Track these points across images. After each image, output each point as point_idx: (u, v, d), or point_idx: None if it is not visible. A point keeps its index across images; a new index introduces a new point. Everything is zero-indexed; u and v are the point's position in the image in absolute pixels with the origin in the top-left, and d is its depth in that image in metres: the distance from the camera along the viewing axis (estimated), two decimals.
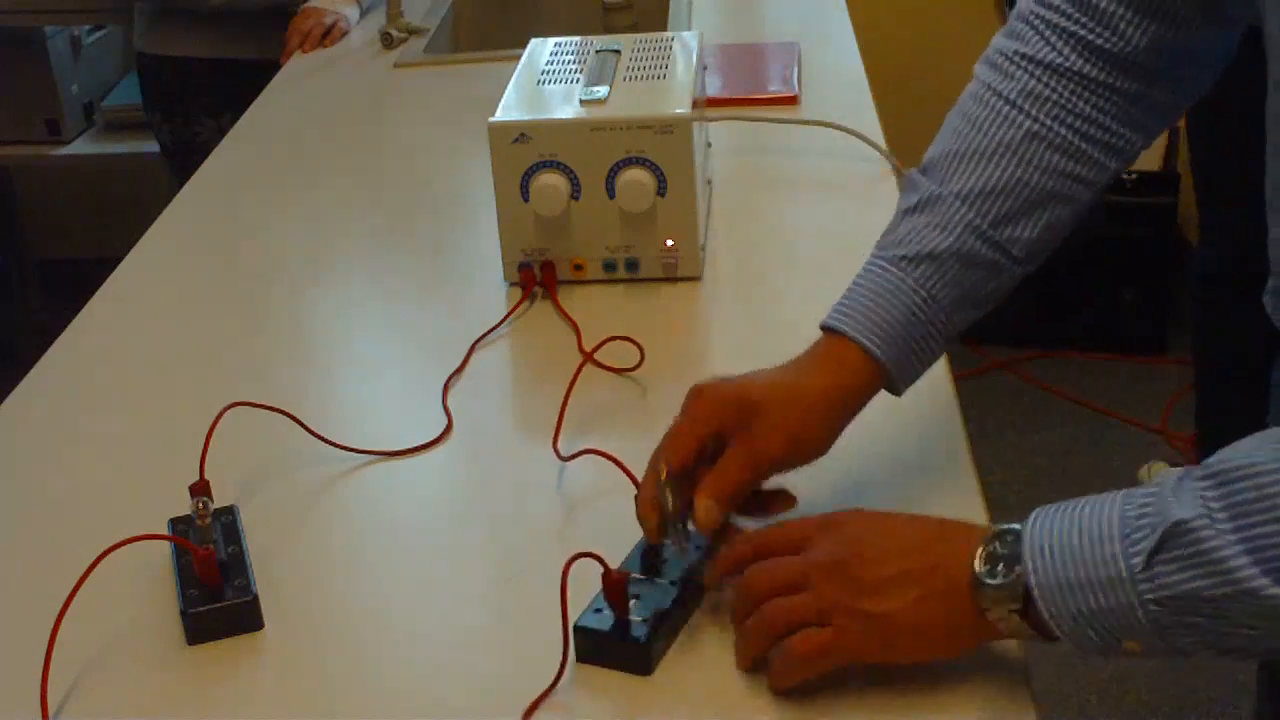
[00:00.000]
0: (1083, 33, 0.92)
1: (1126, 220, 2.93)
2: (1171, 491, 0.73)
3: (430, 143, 1.75)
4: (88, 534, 0.98)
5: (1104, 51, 0.92)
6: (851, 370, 0.91)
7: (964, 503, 0.97)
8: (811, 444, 0.90)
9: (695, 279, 1.31)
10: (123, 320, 1.36)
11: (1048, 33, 0.93)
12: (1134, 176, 2.91)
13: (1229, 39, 0.97)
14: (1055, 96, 0.93)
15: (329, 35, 2.19)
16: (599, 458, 0.98)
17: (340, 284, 1.39)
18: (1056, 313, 3.07)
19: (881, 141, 1.56)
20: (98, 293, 1.41)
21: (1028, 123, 0.93)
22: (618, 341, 1.18)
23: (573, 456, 1.04)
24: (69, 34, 3.04)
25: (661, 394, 1.14)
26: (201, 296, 1.40)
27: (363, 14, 2.28)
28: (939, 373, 1.13)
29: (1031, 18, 0.95)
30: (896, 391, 0.94)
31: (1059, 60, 0.93)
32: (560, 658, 0.84)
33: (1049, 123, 0.93)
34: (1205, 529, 0.70)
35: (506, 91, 1.35)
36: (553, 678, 0.83)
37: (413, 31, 2.16)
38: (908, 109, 3.19)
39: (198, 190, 1.67)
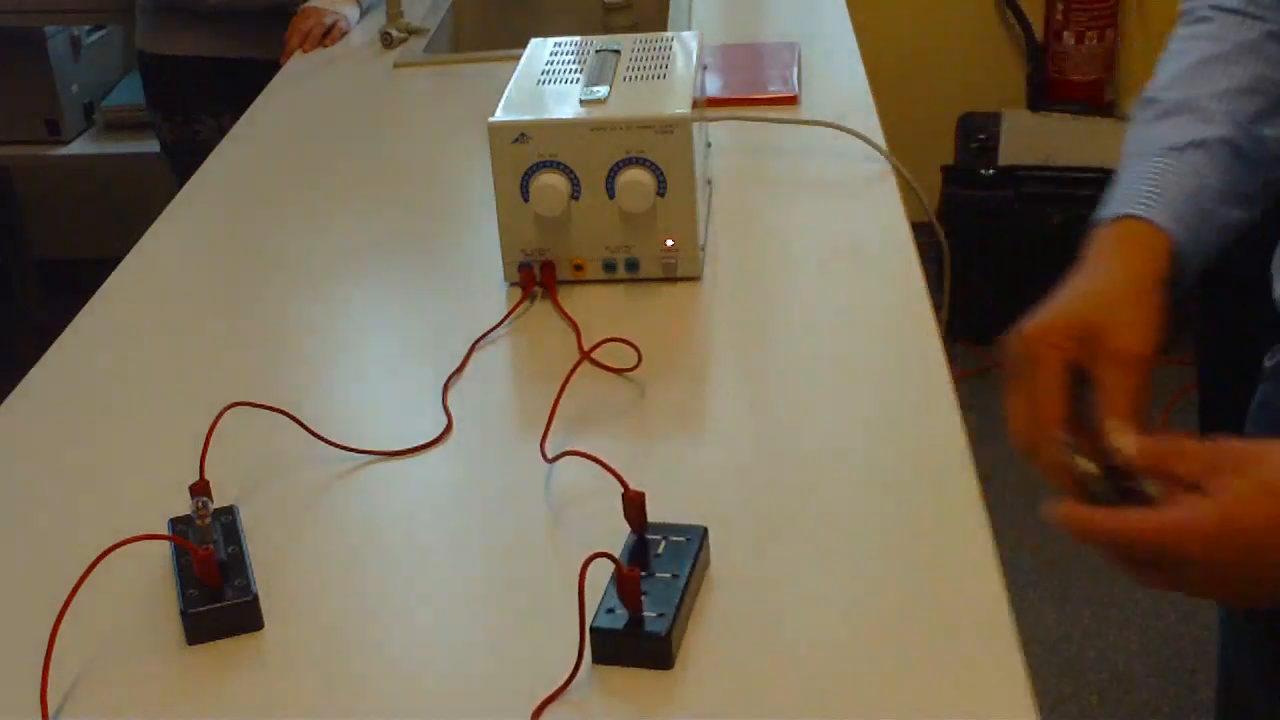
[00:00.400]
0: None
1: None
2: None
3: (430, 143, 1.75)
4: (88, 534, 0.99)
5: None
6: (1151, 249, 0.89)
7: (964, 502, 0.97)
8: (1162, 326, 0.86)
9: (695, 279, 1.31)
10: (123, 320, 1.36)
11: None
12: None
13: None
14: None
15: (329, 35, 2.19)
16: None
17: (340, 284, 1.39)
18: None
19: (881, 141, 1.56)
20: (97, 293, 1.41)
21: (1261, 24, 0.93)
22: (617, 341, 1.18)
23: (557, 458, 1.04)
24: (69, 34, 3.04)
25: (661, 394, 1.14)
26: (201, 296, 1.40)
27: (363, 14, 2.28)
28: (939, 372, 1.13)
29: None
30: (1183, 281, 0.90)
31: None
32: (572, 657, 0.83)
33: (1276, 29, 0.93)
34: None
35: (506, 91, 1.35)
36: (560, 677, 0.83)
37: (413, 31, 2.16)
38: (908, 109, 3.20)
39: (198, 190, 1.67)
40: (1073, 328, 0.84)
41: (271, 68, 2.14)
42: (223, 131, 1.88)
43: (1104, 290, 0.87)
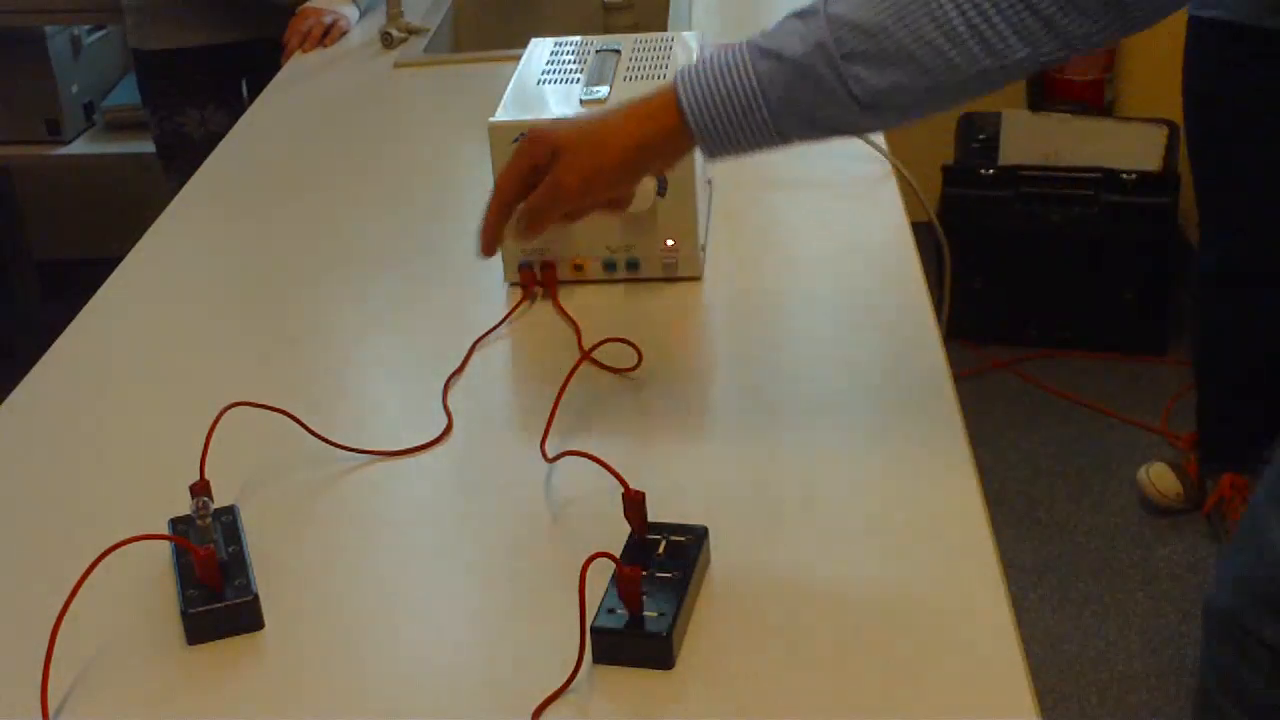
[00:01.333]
0: None
1: (1126, 220, 2.93)
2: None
3: (430, 143, 1.75)
4: (88, 534, 0.99)
5: None
6: (663, 124, 1.00)
7: (964, 502, 0.97)
8: (605, 185, 1.02)
9: (696, 279, 1.31)
10: (122, 320, 1.36)
11: None
12: (1134, 176, 2.91)
13: None
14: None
15: (329, 34, 2.19)
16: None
17: (340, 283, 1.39)
18: (1057, 313, 3.08)
19: (881, 141, 1.56)
20: (97, 293, 1.41)
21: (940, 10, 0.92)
22: (618, 341, 1.18)
23: (557, 457, 1.04)
24: (69, 34, 3.04)
25: (661, 394, 1.14)
26: (201, 296, 1.40)
27: (362, 14, 2.28)
28: (939, 372, 1.13)
29: None
30: (708, 155, 1.01)
31: None
32: (573, 657, 0.84)
33: (957, 20, 0.92)
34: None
35: (506, 91, 1.35)
36: (561, 676, 0.83)
37: (413, 31, 2.16)
38: None
39: (197, 190, 1.67)
40: (550, 143, 1.02)
41: (257, 46, 2.14)
42: (205, 123, 1.87)
43: (594, 132, 1.02)
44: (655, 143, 1.01)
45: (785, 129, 0.98)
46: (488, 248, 1.06)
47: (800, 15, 0.97)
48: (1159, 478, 2.51)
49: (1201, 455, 2.51)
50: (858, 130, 1.01)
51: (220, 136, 1.85)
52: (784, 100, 0.96)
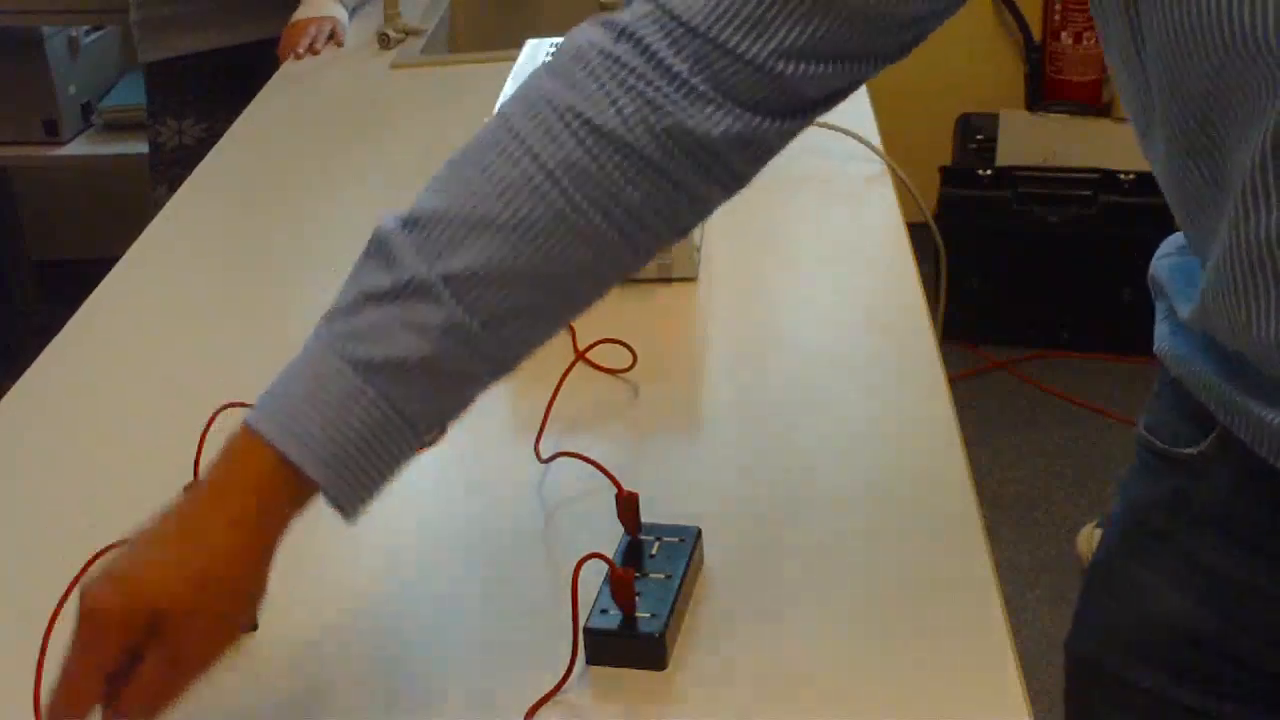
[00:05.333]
0: (661, 100, 0.74)
1: (1125, 220, 2.93)
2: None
3: (426, 144, 1.75)
4: (82, 535, 0.98)
5: (682, 130, 0.74)
6: (279, 497, 0.74)
7: (959, 504, 0.97)
8: (248, 611, 0.77)
9: (691, 280, 1.31)
10: (119, 321, 1.36)
11: (616, 90, 0.74)
12: (1132, 177, 2.91)
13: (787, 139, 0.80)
14: (603, 177, 0.74)
15: (330, 39, 2.18)
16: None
17: (335, 284, 1.39)
18: (1055, 313, 3.08)
19: (878, 142, 1.56)
20: (94, 293, 1.41)
21: (562, 202, 0.74)
22: (612, 342, 1.18)
23: (551, 459, 1.04)
24: (67, 34, 3.04)
25: (655, 395, 1.14)
26: (197, 297, 1.40)
27: (351, 14, 2.27)
28: (935, 373, 1.13)
29: (598, 63, 0.75)
30: (347, 519, 0.77)
31: (622, 132, 0.74)
32: (566, 658, 0.84)
33: (587, 207, 0.74)
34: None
35: (503, 92, 1.35)
36: (554, 678, 0.83)
37: (410, 32, 2.16)
38: (905, 110, 3.20)
39: (194, 191, 1.67)
40: (144, 612, 0.71)
41: (242, 53, 2.14)
42: (181, 134, 1.86)
43: (195, 568, 0.72)
44: (277, 529, 0.75)
45: (428, 439, 0.78)
46: None
47: (390, 297, 0.74)
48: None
49: None
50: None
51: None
52: (427, 411, 0.75)
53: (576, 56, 0.76)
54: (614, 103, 0.74)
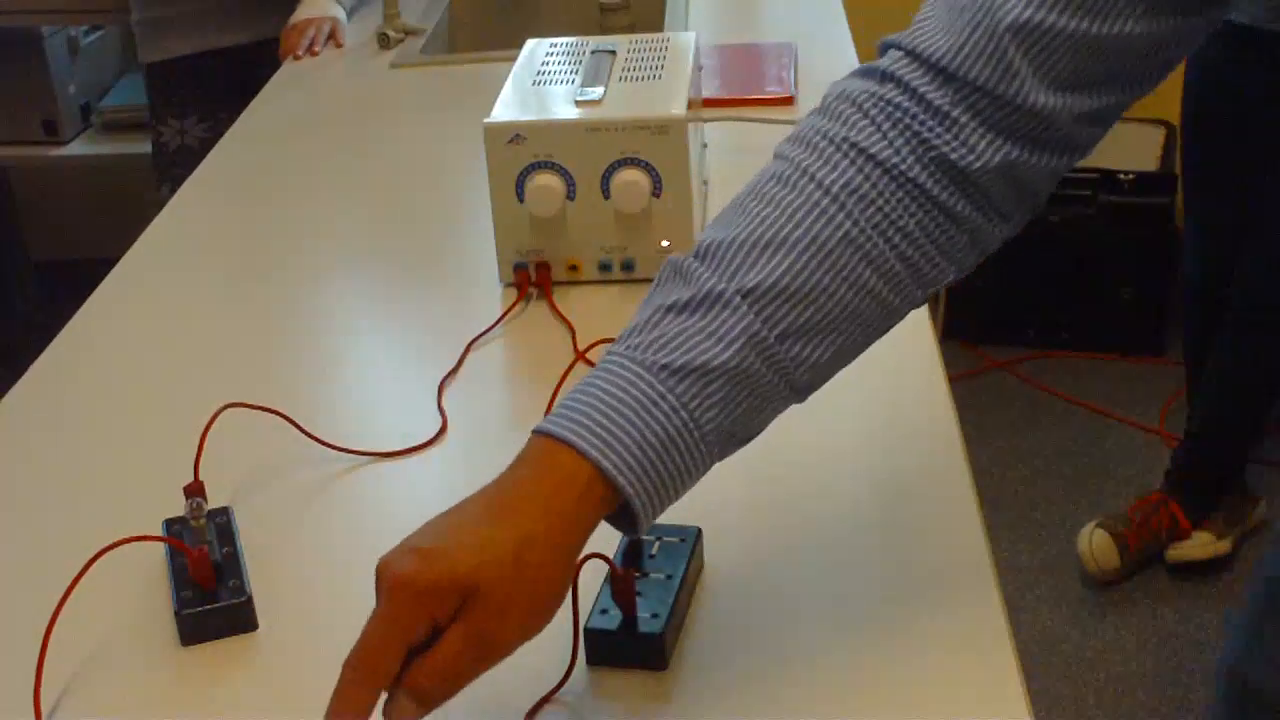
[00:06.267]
0: (926, 134, 0.78)
1: (1124, 220, 2.94)
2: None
3: (426, 143, 1.75)
4: (82, 535, 0.99)
5: (947, 163, 0.78)
6: (590, 504, 0.73)
7: (959, 504, 0.97)
8: (550, 606, 0.73)
9: None
10: (119, 321, 1.36)
11: (884, 123, 0.78)
12: (1131, 177, 2.91)
13: (1059, 172, 0.82)
14: (882, 202, 0.77)
15: (330, 39, 2.18)
16: None
17: (335, 284, 1.39)
18: (1054, 313, 3.08)
19: None
20: (94, 293, 1.41)
21: (847, 224, 0.76)
22: (611, 342, 1.18)
23: None
24: (66, 34, 3.04)
25: None
26: (197, 297, 1.40)
27: (351, 15, 2.27)
28: (934, 372, 1.13)
29: (865, 100, 0.79)
30: (627, 532, 0.77)
31: (894, 160, 0.77)
32: (566, 659, 0.83)
33: (870, 231, 0.77)
34: None
35: (502, 92, 1.35)
36: (554, 678, 0.83)
37: (409, 32, 2.16)
38: None
39: (194, 191, 1.67)
40: (456, 588, 0.70)
41: (242, 53, 2.14)
42: (184, 134, 1.86)
43: (511, 552, 0.71)
44: (584, 532, 0.74)
45: (716, 458, 0.77)
46: None
47: (689, 308, 0.75)
48: (1100, 552, 2.41)
49: (1180, 458, 2.48)
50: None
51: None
52: (719, 425, 0.76)
53: (843, 97, 0.80)
54: (884, 135, 0.78)
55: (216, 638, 0.90)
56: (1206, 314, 2.39)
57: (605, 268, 1.31)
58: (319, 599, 0.94)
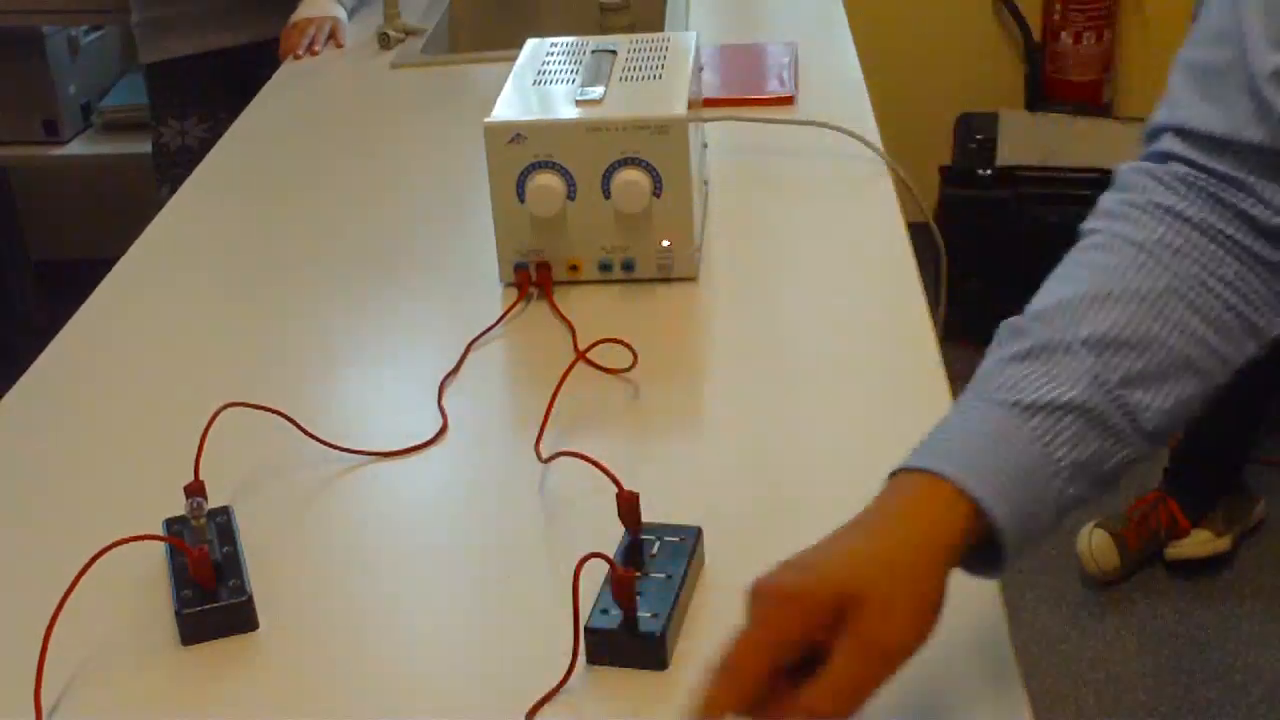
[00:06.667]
0: (1222, 194, 0.80)
1: None
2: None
3: (426, 143, 1.75)
4: (82, 535, 0.99)
5: (1244, 215, 0.80)
6: (959, 529, 0.72)
7: None
8: (932, 620, 0.71)
9: (691, 279, 1.31)
10: (118, 321, 1.36)
11: (1180, 187, 0.81)
12: None
13: None
14: (1195, 253, 0.79)
15: (330, 39, 2.18)
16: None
17: (335, 284, 1.39)
18: None
19: (878, 142, 1.56)
20: (94, 293, 1.41)
21: (1167, 276, 0.78)
22: (613, 342, 1.18)
23: (551, 458, 1.04)
24: (67, 34, 3.04)
25: (656, 394, 1.14)
26: (197, 297, 1.40)
27: (351, 14, 2.27)
28: (936, 374, 1.13)
29: (1157, 172, 0.82)
30: (991, 570, 0.75)
31: (1200, 215, 0.80)
32: (567, 657, 0.84)
33: (1190, 281, 0.79)
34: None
35: (503, 92, 1.35)
36: (555, 677, 0.83)
37: (410, 32, 2.16)
38: (905, 109, 3.20)
39: (193, 191, 1.67)
40: (836, 596, 0.69)
41: (242, 53, 2.13)
42: (184, 134, 1.86)
43: (884, 553, 0.71)
44: (952, 554, 0.72)
45: (1073, 499, 0.76)
46: None
47: (1030, 356, 0.77)
48: (1099, 551, 2.40)
49: (1177, 459, 2.48)
50: (1128, 471, 0.79)
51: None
52: (1074, 460, 0.75)
53: (1135, 171, 0.84)
54: (1184, 196, 0.81)
55: (217, 637, 0.90)
56: None
57: (606, 268, 1.31)
58: (319, 599, 0.94)
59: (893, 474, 0.76)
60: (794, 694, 0.69)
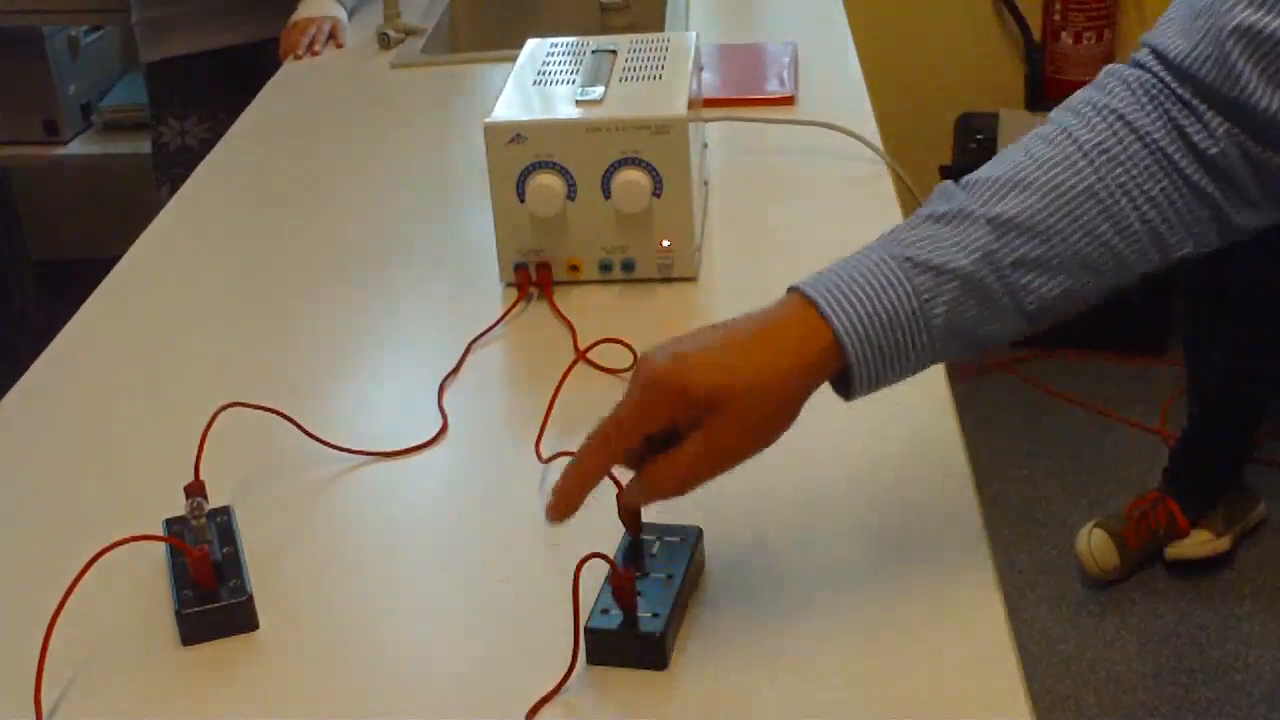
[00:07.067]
0: (1175, 114, 0.86)
1: None
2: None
3: (427, 143, 1.75)
4: (82, 535, 0.99)
5: (1187, 137, 0.86)
6: (815, 352, 0.82)
7: (959, 504, 0.97)
8: (767, 440, 0.83)
9: (691, 279, 1.31)
10: (119, 321, 1.36)
11: (1144, 97, 0.87)
12: None
13: None
14: (1129, 163, 0.85)
15: (330, 39, 2.18)
16: None
17: (336, 284, 1.39)
18: None
19: (878, 142, 1.56)
20: (94, 293, 1.41)
21: (1092, 178, 0.85)
22: (613, 342, 1.18)
23: (551, 458, 1.04)
24: (67, 34, 3.04)
25: None
26: (197, 297, 1.40)
27: (351, 14, 2.27)
28: (936, 372, 1.13)
29: (1132, 80, 0.88)
30: (846, 394, 0.85)
31: (1149, 129, 0.86)
32: (567, 657, 0.84)
33: (1113, 187, 0.85)
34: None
35: (503, 92, 1.35)
36: (555, 677, 0.83)
37: (410, 32, 2.16)
38: (904, 110, 3.20)
39: (194, 191, 1.67)
40: (707, 397, 0.80)
41: (242, 53, 2.13)
42: (184, 134, 1.86)
43: (755, 374, 0.81)
44: (811, 378, 0.83)
45: (941, 353, 0.85)
46: (562, 511, 0.84)
47: (943, 219, 0.85)
48: (1099, 551, 2.41)
49: (1176, 459, 2.48)
50: (1007, 342, 0.88)
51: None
52: (947, 322, 0.83)
53: (1111, 73, 0.90)
54: (1142, 106, 0.87)
55: (217, 637, 0.90)
56: (1208, 299, 2.39)
57: (606, 267, 1.31)
58: (319, 599, 0.94)
59: (789, 289, 0.85)
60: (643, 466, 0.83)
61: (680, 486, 0.83)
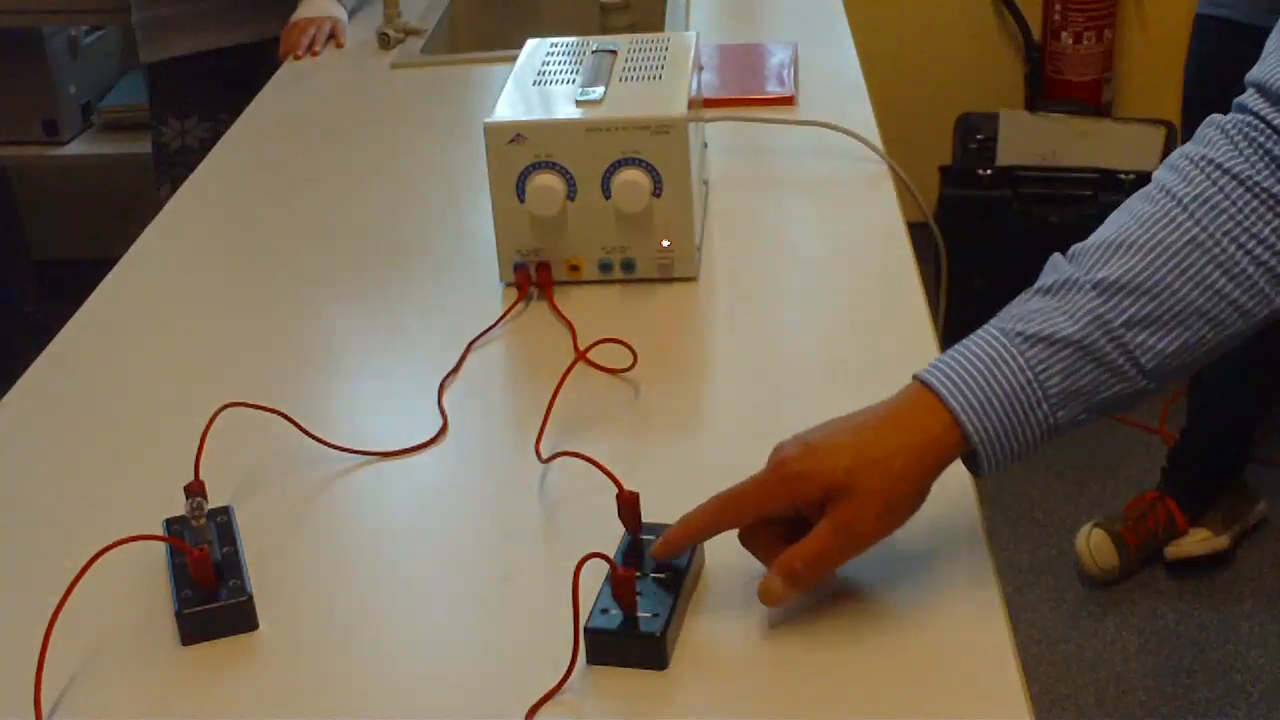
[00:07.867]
0: (1274, 148, 0.86)
1: None
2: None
3: (426, 143, 1.75)
4: (82, 535, 0.99)
5: None
6: (936, 436, 0.85)
7: (959, 504, 0.97)
8: (898, 523, 0.86)
9: (691, 279, 1.31)
10: (119, 321, 1.36)
11: (1242, 143, 0.87)
12: (1133, 176, 2.91)
13: None
14: (1233, 209, 0.86)
15: (330, 39, 2.18)
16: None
17: (336, 284, 1.39)
18: None
19: (878, 142, 1.56)
20: (94, 293, 1.41)
21: (1195, 229, 0.85)
22: (613, 342, 1.18)
23: (551, 458, 1.04)
24: (67, 34, 3.04)
25: (655, 395, 1.14)
26: (197, 297, 1.40)
27: (351, 14, 2.27)
28: None
29: (1229, 126, 0.89)
30: (977, 470, 0.88)
31: (1248, 172, 0.86)
32: (567, 657, 0.84)
33: (1218, 235, 0.85)
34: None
35: (503, 92, 1.35)
36: (554, 677, 0.83)
37: (410, 32, 2.16)
38: (905, 109, 3.20)
39: (194, 191, 1.67)
40: (820, 482, 0.84)
41: (242, 53, 2.13)
42: (184, 134, 1.86)
43: (875, 455, 0.84)
44: (935, 458, 0.86)
45: (1062, 422, 0.86)
46: (665, 554, 0.89)
47: (1050, 291, 0.86)
48: (1099, 551, 2.41)
49: (1175, 459, 2.48)
50: (1134, 406, 0.88)
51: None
52: (1064, 390, 0.84)
53: (1211, 123, 0.90)
54: (1240, 151, 0.87)
55: (217, 637, 0.90)
56: None
57: (606, 268, 1.31)
58: (319, 599, 0.94)
59: (913, 376, 0.88)
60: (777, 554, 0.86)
61: (814, 569, 0.85)
